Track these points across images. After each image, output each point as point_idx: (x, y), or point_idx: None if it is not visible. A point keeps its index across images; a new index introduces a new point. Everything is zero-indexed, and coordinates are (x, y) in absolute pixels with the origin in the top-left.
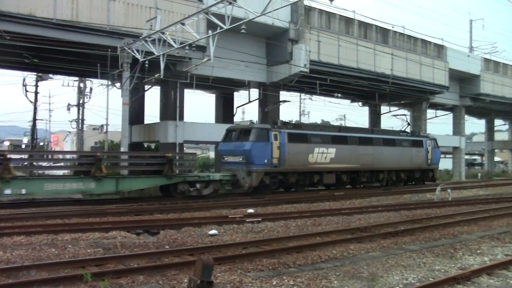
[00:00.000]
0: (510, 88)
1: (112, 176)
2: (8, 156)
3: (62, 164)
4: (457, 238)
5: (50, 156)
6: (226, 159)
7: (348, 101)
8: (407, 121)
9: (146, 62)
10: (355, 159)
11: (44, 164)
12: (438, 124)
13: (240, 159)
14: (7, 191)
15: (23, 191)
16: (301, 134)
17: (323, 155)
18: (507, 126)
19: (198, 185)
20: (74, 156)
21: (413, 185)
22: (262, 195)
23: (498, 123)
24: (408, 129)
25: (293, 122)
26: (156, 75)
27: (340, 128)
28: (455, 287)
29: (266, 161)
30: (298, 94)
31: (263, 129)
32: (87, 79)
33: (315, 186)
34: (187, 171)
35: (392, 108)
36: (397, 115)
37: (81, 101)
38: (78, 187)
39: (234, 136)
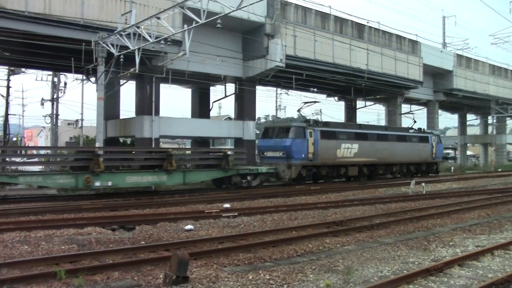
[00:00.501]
0: (481, 83)
1: (180, 170)
2: (98, 152)
3: (142, 158)
4: (430, 230)
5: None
6: (266, 154)
7: (324, 96)
8: (413, 119)
9: (121, 56)
10: (374, 153)
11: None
12: None
13: (281, 154)
14: (97, 183)
15: (109, 183)
16: (331, 131)
17: (348, 150)
18: (478, 121)
19: (248, 177)
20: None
21: (392, 179)
22: (241, 189)
23: (470, 117)
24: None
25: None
26: (131, 70)
27: (360, 126)
28: (428, 279)
29: (303, 155)
30: (274, 88)
31: (300, 127)
32: (61, 73)
33: (339, 178)
34: (240, 165)
35: (368, 103)
36: (405, 113)
37: (55, 96)
38: (153, 180)
39: (274, 134)
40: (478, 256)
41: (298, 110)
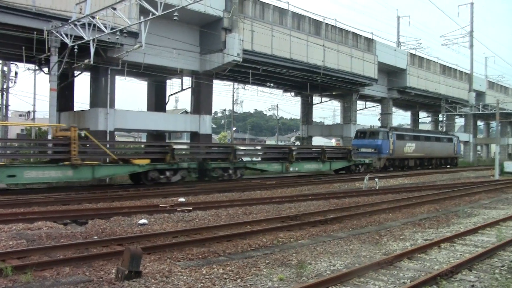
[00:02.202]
0: (432, 82)
1: (327, 161)
2: (293, 148)
3: (311, 152)
4: (382, 225)
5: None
6: (360, 150)
7: (280, 91)
8: (441, 126)
9: (76, 47)
10: (423, 150)
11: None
12: (367, 115)
13: (372, 150)
14: (291, 169)
15: (296, 169)
16: (402, 134)
17: (410, 147)
18: (430, 119)
19: (360, 167)
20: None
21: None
22: (194, 183)
23: (422, 115)
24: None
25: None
26: (86, 61)
27: (413, 130)
28: (379, 272)
29: (387, 152)
30: (231, 83)
31: (385, 131)
32: (11, 62)
33: (402, 168)
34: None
35: (324, 99)
36: (436, 120)
37: (5, 86)
38: (316, 167)
39: (366, 135)
40: (426, 249)
41: (379, 119)
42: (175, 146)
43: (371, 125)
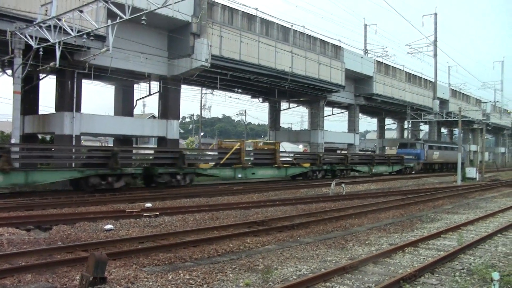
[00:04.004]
0: (398, 90)
1: (391, 164)
2: (374, 155)
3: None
4: (348, 230)
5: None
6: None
7: (248, 97)
8: (451, 138)
9: (41, 49)
10: (443, 157)
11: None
12: (334, 121)
13: (412, 157)
14: (373, 170)
15: (375, 170)
16: (431, 145)
17: (435, 155)
18: (396, 125)
19: (407, 169)
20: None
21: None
22: (162, 189)
23: (389, 122)
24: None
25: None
26: (51, 64)
27: (436, 141)
28: (344, 277)
29: (423, 158)
30: (199, 88)
31: (421, 143)
32: None
33: (428, 172)
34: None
35: (291, 105)
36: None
37: None
38: (385, 169)
39: (407, 146)
40: (391, 254)
41: (413, 134)
42: (320, 154)
43: (409, 138)
